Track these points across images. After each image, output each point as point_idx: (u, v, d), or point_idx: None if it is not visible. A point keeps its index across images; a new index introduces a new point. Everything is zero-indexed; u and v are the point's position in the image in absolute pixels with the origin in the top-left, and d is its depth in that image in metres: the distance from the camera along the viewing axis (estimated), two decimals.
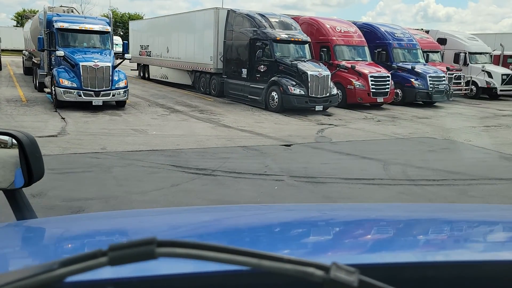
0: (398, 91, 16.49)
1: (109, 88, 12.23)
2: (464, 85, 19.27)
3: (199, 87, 18.08)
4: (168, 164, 7.04)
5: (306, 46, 14.54)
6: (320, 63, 14.19)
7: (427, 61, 18.36)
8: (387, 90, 15.25)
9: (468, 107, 16.89)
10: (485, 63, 20.56)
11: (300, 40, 14.34)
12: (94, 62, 12.14)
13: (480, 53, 20.90)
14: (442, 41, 21.26)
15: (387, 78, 15.32)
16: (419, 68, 16.79)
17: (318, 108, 13.27)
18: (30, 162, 1.31)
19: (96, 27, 13.59)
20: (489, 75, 19.92)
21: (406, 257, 0.97)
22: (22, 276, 0.53)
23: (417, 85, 16.28)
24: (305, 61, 13.80)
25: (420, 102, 16.61)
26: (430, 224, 1.33)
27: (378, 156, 8.21)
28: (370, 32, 17.83)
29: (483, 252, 1.07)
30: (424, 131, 11.20)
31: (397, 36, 17.94)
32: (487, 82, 19.87)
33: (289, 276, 0.53)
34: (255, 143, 8.96)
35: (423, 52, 18.40)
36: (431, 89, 16.25)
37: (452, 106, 16.93)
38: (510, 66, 21.31)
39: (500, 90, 19.87)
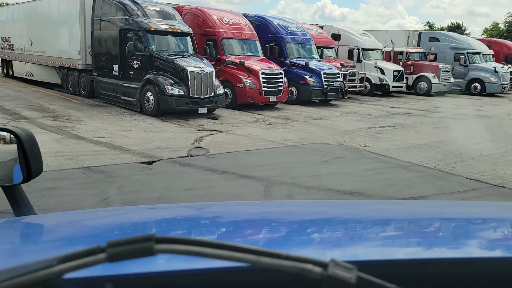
0: (292, 89, 15.29)
1: None
2: (359, 82, 18.81)
3: (67, 86, 15.31)
4: None
5: (188, 38, 12.65)
6: (204, 59, 12.35)
7: (321, 57, 17.52)
8: (280, 88, 13.91)
9: (363, 105, 16.28)
10: (378, 59, 20.41)
11: (179, 31, 12.37)
12: None
13: (373, 50, 20.71)
14: (336, 36, 20.74)
15: (280, 75, 13.98)
16: (313, 64, 15.74)
17: (202, 110, 11.46)
18: (29, 158, 1.29)
19: None
20: (382, 71, 19.73)
21: (404, 254, 0.97)
22: (21, 272, 0.53)
23: (311, 83, 15.15)
24: (185, 56, 11.89)
25: (316, 101, 15.60)
26: (429, 221, 1.31)
27: (261, 172, 6.62)
28: (262, 26, 16.48)
29: (481, 249, 1.04)
30: (318, 135, 9.94)
31: (291, 30, 16.78)
32: (380, 79, 19.64)
33: (288, 272, 0.53)
34: (106, 161, 6.87)
35: (318, 47, 17.51)
36: (326, 86, 15.26)
37: (348, 104, 16.19)
38: (400, 62, 21.46)
39: (392, 87, 19.79)
